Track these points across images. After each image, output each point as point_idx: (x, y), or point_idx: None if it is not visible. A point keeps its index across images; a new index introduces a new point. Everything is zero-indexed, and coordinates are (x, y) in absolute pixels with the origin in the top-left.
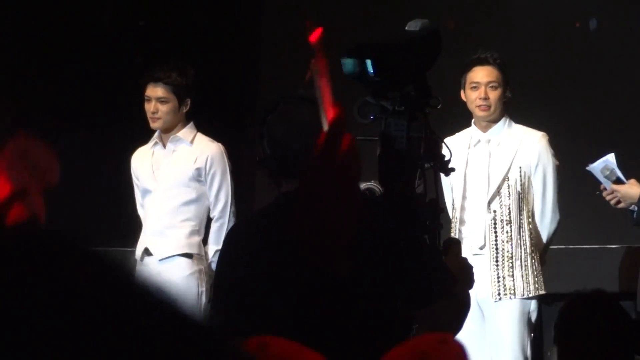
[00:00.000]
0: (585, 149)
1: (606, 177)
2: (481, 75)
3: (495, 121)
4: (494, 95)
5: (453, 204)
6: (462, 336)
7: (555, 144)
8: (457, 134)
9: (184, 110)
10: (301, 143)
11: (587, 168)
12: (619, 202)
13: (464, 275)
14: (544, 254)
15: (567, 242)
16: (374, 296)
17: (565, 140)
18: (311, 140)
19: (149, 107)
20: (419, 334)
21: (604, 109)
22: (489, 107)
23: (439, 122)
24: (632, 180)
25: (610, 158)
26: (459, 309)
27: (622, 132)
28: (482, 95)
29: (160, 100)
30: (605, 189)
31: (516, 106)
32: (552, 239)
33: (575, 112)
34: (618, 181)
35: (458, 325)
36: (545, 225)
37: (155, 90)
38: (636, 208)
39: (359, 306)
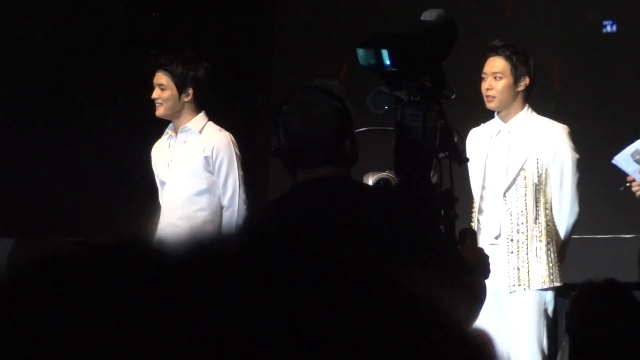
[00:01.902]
0: (601, 140)
1: (636, 161)
2: (488, 66)
3: (513, 112)
4: (498, 86)
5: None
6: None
7: (575, 137)
8: (482, 125)
9: (186, 100)
10: (317, 133)
11: (613, 161)
12: None
13: (480, 265)
14: (564, 246)
15: (582, 232)
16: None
17: (582, 132)
18: (327, 130)
19: (153, 94)
20: None
21: (623, 102)
22: (494, 97)
23: (453, 112)
24: None
25: None
26: (475, 298)
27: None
28: (487, 86)
29: (161, 87)
30: (634, 179)
31: (535, 98)
32: (570, 232)
33: (595, 105)
34: None
35: (473, 314)
36: (563, 218)
37: (157, 77)
38: None
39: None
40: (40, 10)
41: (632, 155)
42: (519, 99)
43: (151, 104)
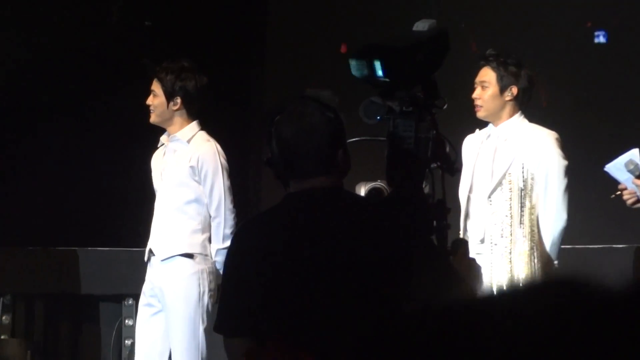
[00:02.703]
0: (594, 148)
1: (630, 171)
2: (478, 75)
3: (504, 118)
4: (484, 94)
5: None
6: None
7: (565, 144)
8: (477, 131)
9: (174, 108)
10: (310, 144)
11: (605, 168)
12: (637, 201)
13: (472, 275)
14: (551, 252)
15: (574, 242)
16: (379, 295)
17: (573, 140)
18: (320, 141)
19: (148, 100)
20: None
21: (616, 110)
22: (481, 107)
23: (446, 122)
24: None
25: (636, 152)
26: None
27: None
28: (475, 95)
29: (153, 93)
30: (625, 188)
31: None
32: (558, 238)
33: (586, 113)
34: None
35: None
36: (548, 224)
37: (152, 84)
38: None
39: (363, 305)
40: (32, 20)
41: (626, 164)
42: (509, 108)
43: (146, 111)
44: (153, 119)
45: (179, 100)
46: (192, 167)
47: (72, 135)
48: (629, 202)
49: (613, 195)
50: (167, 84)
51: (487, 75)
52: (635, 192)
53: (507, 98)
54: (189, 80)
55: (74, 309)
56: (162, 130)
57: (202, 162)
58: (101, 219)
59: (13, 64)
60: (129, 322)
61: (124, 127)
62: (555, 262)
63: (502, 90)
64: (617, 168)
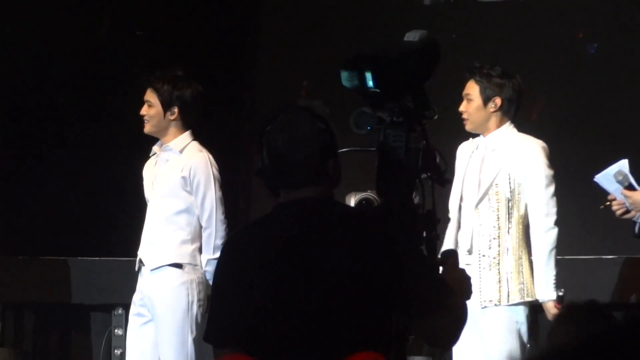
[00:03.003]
0: (583, 159)
1: (619, 181)
2: (464, 88)
3: (493, 128)
4: (469, 107)
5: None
6: (457, 345)
7: (553, 153)
8: (471, 139)
9: (171, 118)
10: (301, 154)
11: (595, 179)
12: (626, 212)
13: (461, 286)
14: (546, 262)
15: (563, 253)
16: (370, 307)
17: (563, 150)
18: (311, 151)
19: (142, 110)
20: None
21: (605, 120)
22: (467, 119)
23: (436, 132)
24: None
25: (624, 163)
26: (456, 320)
27: (624, 142)
28: (461, 109)
29: (148, 103)
30: (615, 198)
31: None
32: (549, 247)
33: (575, 122)
34: (630, 187)
35: (454, 337)
36: (536, 234)
37: (147, 94)
38: (639, 219)
39: (354, 317)
40: (22, 29)
41: (615, 175)
42: (495, 119)
43: (138, 121)
44: (148, 129)
45: (176, 109)
46: (184, 177)
47: (62, 145)
48: (618, 212)
49: (602, 206)
50: (163, 93)
51: (471, 88)
52: (624, 203)
53: (491, 109)
54: (186, 89)
55: (64, 319)
56: (154, 140)
57: (195, 173)
58: (92, 229)
59: (1, 73)
60: (118, 331)
61: (115, 137)
62: (554, 272)
63: (485, 102)
64: (606, 179)
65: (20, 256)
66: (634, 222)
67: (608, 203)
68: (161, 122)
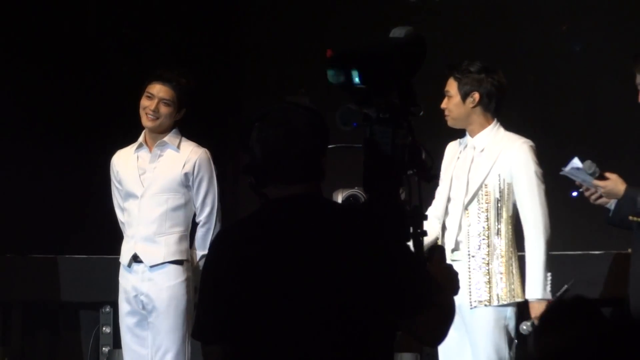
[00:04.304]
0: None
1: (591, 173)
2: (446, 85)
3: (479, 128)
4: (449, 104)
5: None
6: (444, 343)
7: (539, 150)
8: (459, 140)
9: (177, 118)
10: (297, 148)
11: (563, 172)
12: (599, 197)
13: (449, 282)
14: (539, 262)
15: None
16: (358, 304)
17: (547, 146)
18: (307, 146)
19: (150, 104)
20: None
21: (592, 116)
22: (448, 116)
23: (422, 128)
24: (614, 176)
25: (577, 160)
26: (444, 317)
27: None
28: (442, 105)
29: (164, 101)
30: (587, 188)
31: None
32: (542, 246)
33: (560, 119)
34: (601, 177)
35: (442, 333)
36: (528, 231)
37: (162, 90)
38: (612, 206)
39: (343, 314)
40: (9, 26)
41: (585, 167)
42: (477, 115)
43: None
44: (158, 126)
45: (184, 111)
46: (186, 173)
47: (50, 143)
48: (592, 198)
49: (575, 193)
50: (183, 94)
51: (450, 85)
52: (597, 189)
53: (470, 105)
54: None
55: (52, 316)
56: (135, 135)
57: (199, 169)
58: (80, 227)
59: None
60: (106, 329)
61: (101, 135)
62: (543, 271)
63: (464, 97)
64: (576, 171)
65: (8, 254)
66: (608, 209)
67: (581, 190)
68: (170, 122)
